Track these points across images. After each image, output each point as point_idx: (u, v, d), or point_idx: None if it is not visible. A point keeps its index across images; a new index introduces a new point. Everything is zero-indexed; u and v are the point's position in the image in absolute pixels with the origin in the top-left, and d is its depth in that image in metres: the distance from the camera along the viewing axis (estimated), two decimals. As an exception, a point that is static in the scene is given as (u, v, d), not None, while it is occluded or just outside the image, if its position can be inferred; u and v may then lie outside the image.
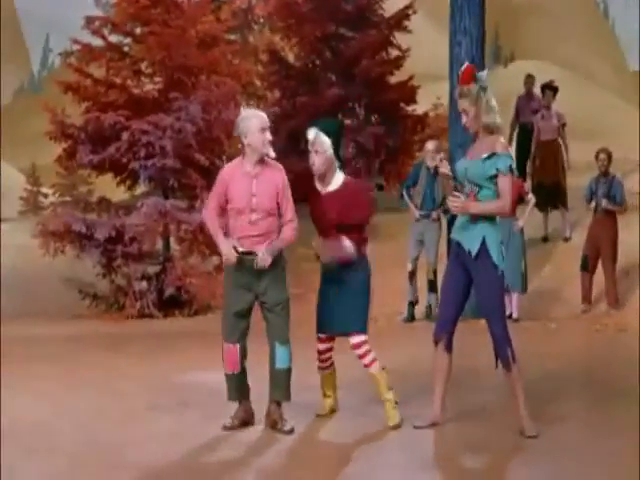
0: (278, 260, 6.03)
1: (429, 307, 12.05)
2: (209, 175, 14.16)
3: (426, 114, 20.07)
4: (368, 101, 18.70)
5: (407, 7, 19.01)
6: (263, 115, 6.05)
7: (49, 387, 7.84)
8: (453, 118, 12.54)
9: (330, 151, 6.16)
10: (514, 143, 15.98)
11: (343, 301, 6.17)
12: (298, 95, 18.43)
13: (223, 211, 6.05)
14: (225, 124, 13.82)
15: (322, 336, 6.35)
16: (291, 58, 20.00)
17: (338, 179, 6.23)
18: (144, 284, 13.40)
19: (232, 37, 21.98)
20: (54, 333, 11.61)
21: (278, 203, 6.01)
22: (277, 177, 6.02)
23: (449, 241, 12.16)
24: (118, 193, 16.40)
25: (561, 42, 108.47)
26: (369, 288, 6.30)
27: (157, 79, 14.76)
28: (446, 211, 12.19)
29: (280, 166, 6.11)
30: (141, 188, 15.40)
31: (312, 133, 6.18)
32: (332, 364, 6.50)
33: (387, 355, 9.10)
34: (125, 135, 13.38)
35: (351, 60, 18.32)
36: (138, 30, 15.19)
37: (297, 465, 5.26)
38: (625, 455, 5.26)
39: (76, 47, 15.12)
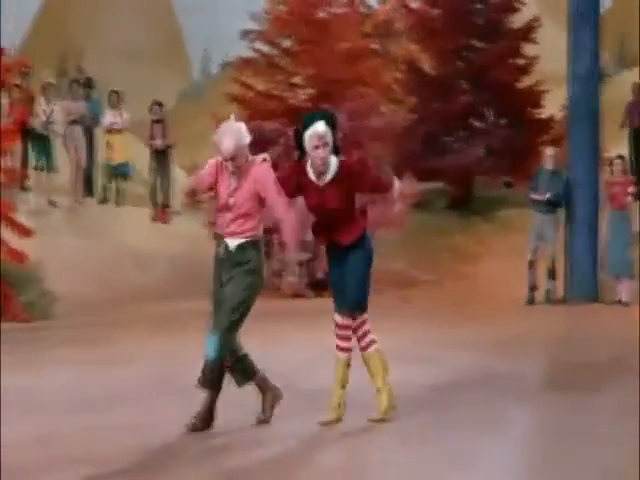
0: (247, 261, 5.61)
1: (548, 292, 12.88)
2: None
3: (551, 118, 20.48)
4: (497, 106, 19.22)
5: (534, 20, 19.43)
6: (238, 141, 5.48)
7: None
8: (572, 124, 13.28)
9: (332, 142, 5.61)
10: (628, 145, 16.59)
11: (346, 281, 5.69)
12: (433, 101, 19.16)
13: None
14: (368, 130, 14.95)
15: (339, 318, 5.78)
16: (427, 67, 20.68)
17: (334, 166, 5.65)
18: (298, 269, 14.42)
19: (374, 46, 22.70)
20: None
21: (262, 198, 5.58)
22: (256, 178, 5.57)
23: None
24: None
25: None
26: (369, 267, 5.80)
27: (309, 91, 15.83)
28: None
29: (263, 166, 5.62)
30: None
31: (322, 125, 5.56)
32: (350, 349, 5.81)
33: (509, 329, 10.08)
34: (282, 140, 14.49)
35: (481, 69, 18.86)
36: (287, 43, 16.31)
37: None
38: None
39: (235, 59, 16.39)
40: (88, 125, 16.66)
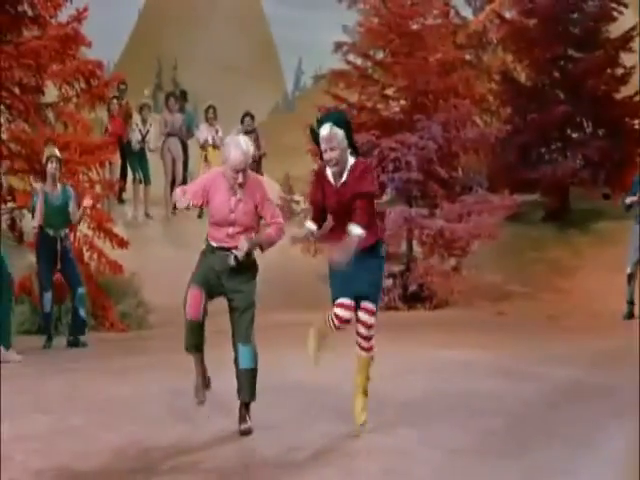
0: (251, 265, 5.78)
1: (648, 307, 12.57)
2: (448, 186, 15.18)
3: (650, 128, 20.03)
4: (594, 116, 18.92)
5: (632, 29, 19.08)
6: (246, 152, 5.56)
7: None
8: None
9: (345, 143, 5.53)
10: None
11: (365, 276, 5.58)
12: (528, 112, 18.92)
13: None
14: (462, 141, 14.93)
15: (345, 302, 5.60)
16: (522, 77, 20.46)
17: (350, 166, 5.60)
18: (390, 281, 14.34)
19: (467, 57, 22.50)
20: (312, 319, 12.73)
21: (258, 213, 5.72)
22: (256, 191, 5.69)
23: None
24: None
25: None
26: (382, 273, 5.84)
27: (402, 102, 15.79)
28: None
29: (259, 178, 5.90)
30: (385, 197, 16.42)
31: (326, 129, 5.50)
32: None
33: (607, 343, 9.85)
34: (375, 152, 14.48)
35: (578, 79, 18.59)
36: (380, 55, 16.32)
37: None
38: None
39: (327, 71, 16.47)
40: (182, 137, 16.97)
